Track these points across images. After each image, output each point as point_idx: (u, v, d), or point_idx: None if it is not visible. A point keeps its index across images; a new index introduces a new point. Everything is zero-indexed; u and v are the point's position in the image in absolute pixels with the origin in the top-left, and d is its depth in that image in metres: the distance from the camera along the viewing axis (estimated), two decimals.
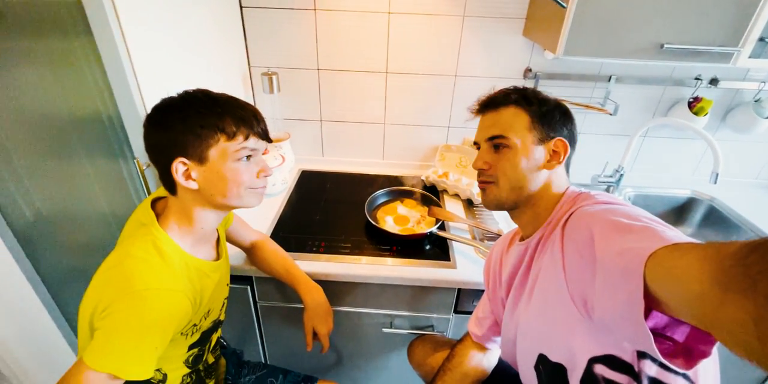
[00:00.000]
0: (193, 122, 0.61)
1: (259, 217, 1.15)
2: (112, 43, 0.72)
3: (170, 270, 0.62)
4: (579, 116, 1.35)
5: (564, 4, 0.86)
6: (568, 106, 1.36)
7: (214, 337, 0.83)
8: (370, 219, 1.11)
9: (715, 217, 1.40)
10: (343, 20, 1.20)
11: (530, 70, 1.27)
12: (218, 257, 0.77)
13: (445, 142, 1.43)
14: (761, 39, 0.91)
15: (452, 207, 1.26)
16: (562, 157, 0.67)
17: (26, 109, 0.86)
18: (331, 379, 1.00)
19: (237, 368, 0.93)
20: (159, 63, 0.83)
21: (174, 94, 0.65)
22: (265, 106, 1.34)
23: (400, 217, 1.18)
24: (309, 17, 1.20)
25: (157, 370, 0.70)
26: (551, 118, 0.67)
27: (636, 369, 0.54)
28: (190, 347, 0.74)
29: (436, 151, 1.44)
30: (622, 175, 1.35)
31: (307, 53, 1.26)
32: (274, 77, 1.22)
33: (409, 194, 1.28)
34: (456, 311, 1.07)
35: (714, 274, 0.33)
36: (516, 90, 0.71)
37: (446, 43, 1.23)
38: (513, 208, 0.71)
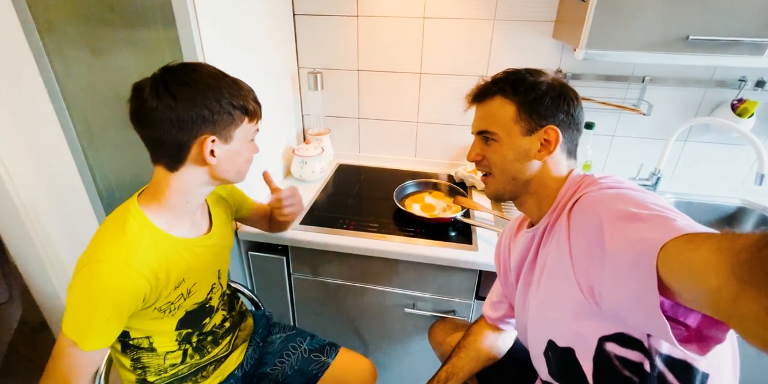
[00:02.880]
0: (227, 103, 0.64)
1: None
2: (191, 37, 0.88)
3: (128, 245, 0.63)
4: (612, 119, 1.37)
5: None
6: (596, 105, 1.38)
7: (210, 323, 0.82)
8: (398, 203, 1.19)
9: None
10: (382, 25, 1.33)
11: (560, 70, 1.32)
12: (209, 229, 0.78)
13: None
14: None
15: (480, 202, 1.30)
16: (552, 147, 0.64)
17: (119, 90, 1.05)
18: None
19: (266, 328, 1.01)
20: (225, 57, 0.98)
21: (185, 61, 0.67)
22: (310, 102, 1.49)
23: (426, 205, 1.24)
24: (352, 23, 1.34)
25: (146, 337, 0.73)
26: (540, 105, 0.64)
27: (646, 345, 0.54)
28: (180, 326, 0.75)
29: (467, 150, 1.50)
30: (659, 178, 1.33)
31: (349, 55, 1.40)
32: (318, 75, 1.36)
33: (437, 186, 1.34)
34: (477, 297, 1.10)
35: (730, 267, 0.32)
36: (504, 77, 0.68)
37: (477, 46, 1.32)
38: (513, 198, 0.71)
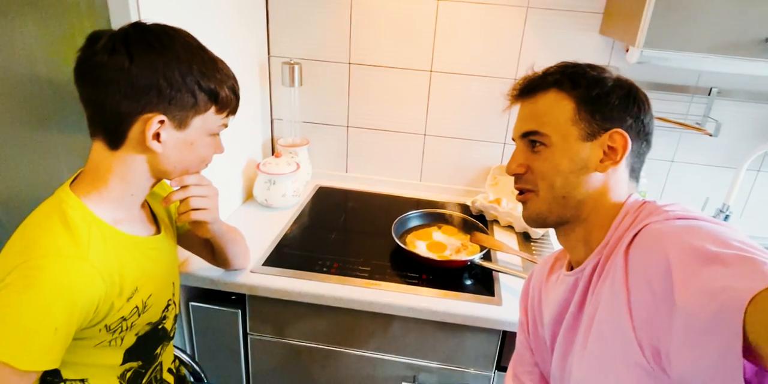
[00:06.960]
0: (192, 80, 0.66)
1: (259, 229, 1.24)
2: (124, 1, 0.86)
3: (72, 236, 0.64)
4: (671, 140, 1.41)
5: None
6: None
7: (166, 359, 0.85)
8: (397, 240, 1.17)
9: None
10: (382, 8, 1.36)
11: None
12: (158, 231, 0.81)
13: (500, 162, 1.51)
14: None
15: (504, 240, 1.30)
16: (619, 156, 0.66)
17: (15, 68, 1.01)
18: None
19: None
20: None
21: (162, 23, 0.69)
22: (283, 103, 1.49)
23: (435, 244, 1.23)
24: (344, 3, 1.37)
25: (81, 380, 0.72)
26: (605, 104, 0.66)
27: None
28: (127, 358, 0.75)
29: (488, 173, 1.52)
30: (727, 215, 1.36)
31: (338, 44, 1.42)
32: (296, 67, 1.37)
33: (449, 220, 1.34)
34: (499, 367, 1.08)
35: None
36: (560, 69, 0.69)
37: (505, 39, 1.36)
38: (558, 225, 0.71)
